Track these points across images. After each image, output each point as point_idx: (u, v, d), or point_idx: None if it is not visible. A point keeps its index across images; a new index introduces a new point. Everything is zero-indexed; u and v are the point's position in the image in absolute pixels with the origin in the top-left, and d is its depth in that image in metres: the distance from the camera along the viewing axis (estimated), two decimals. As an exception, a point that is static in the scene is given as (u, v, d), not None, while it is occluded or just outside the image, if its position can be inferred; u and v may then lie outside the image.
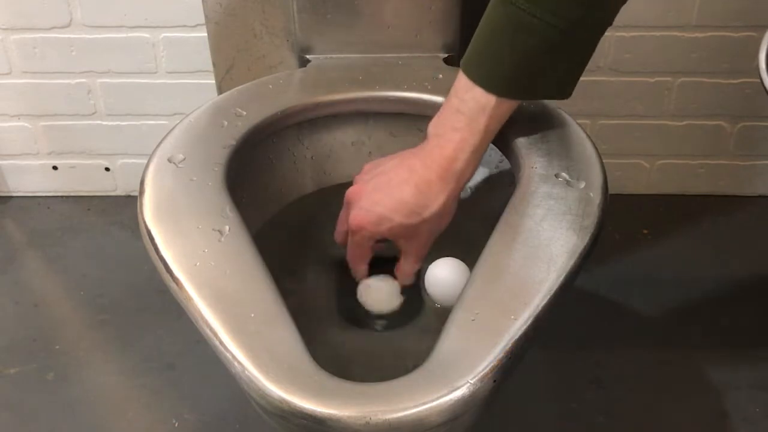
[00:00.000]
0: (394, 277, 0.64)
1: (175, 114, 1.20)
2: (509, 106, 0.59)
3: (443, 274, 0.63)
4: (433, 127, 0.61)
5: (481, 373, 0.45)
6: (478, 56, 0.58)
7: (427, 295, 0.64)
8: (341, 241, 0.65)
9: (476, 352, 0.46)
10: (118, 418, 0.94)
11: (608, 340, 1.02)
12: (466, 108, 0.58)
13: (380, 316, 0.64)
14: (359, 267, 0.64)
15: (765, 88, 0.61)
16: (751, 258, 1.15)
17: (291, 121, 0.71)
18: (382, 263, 0.66)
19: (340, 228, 0.65)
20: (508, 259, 0.52)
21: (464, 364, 0.45)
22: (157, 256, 0.54)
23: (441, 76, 0.74)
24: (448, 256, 0.65)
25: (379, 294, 0.63)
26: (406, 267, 0.64)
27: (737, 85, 1.15)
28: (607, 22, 0.56)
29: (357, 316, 0.64)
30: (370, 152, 0.76)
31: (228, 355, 0.46)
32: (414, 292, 0.66)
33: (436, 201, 0.59)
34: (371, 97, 0.73)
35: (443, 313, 0.53)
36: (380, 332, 0.64)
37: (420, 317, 0.65)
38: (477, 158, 0.60)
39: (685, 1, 1.08)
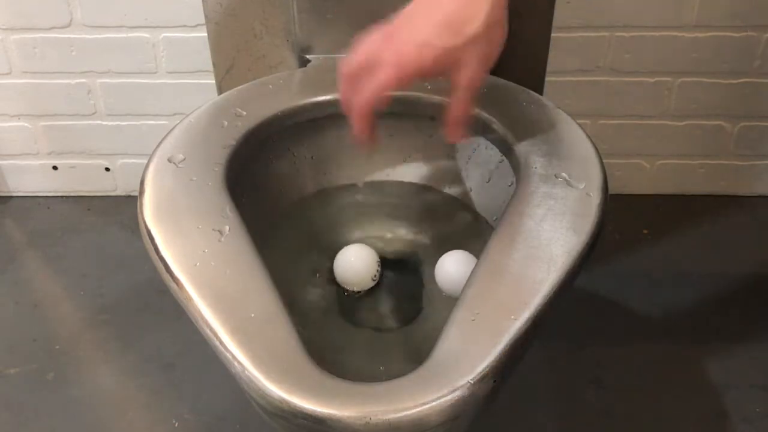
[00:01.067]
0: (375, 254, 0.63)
1: (175, 114, 1.20)
2: None
3: (454, 267, 0.63)
4: None
5: (481, 373, 0.45)
6: None
7: (438, 287, 0.64)
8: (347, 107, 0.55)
9: (476, 352, 0.46)
10: (118, 418, 0.94)
11: (608, 340, 1.02)
12: None
13: (356, 292, 0.64)
14: (363, 123, 0.54)
15: None
16: (751, 258, 1.15)
17: (291, 121, 0.71)
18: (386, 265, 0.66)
19: (345, 95, 0.55)
20: (508, 259, 0.52)
21: (464, 364, 0.45)
22: (157, 256, 0.54)
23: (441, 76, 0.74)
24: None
25: (353, 273, 0.63)
26: (457, 105, 0.54)
27: (737, 85, 1.15)
28: None
29: (357, 315, 0.64)
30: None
31: (228, 355, 0.46)
32: (419, 290, 0.66)
33: (482, 10, 0.50)
34: (371, 97, 0.73)
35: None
36: (381, 331, 0.64)
37: (430, 311, 0.65)
38: None
39: (685, 1, 1.08)
